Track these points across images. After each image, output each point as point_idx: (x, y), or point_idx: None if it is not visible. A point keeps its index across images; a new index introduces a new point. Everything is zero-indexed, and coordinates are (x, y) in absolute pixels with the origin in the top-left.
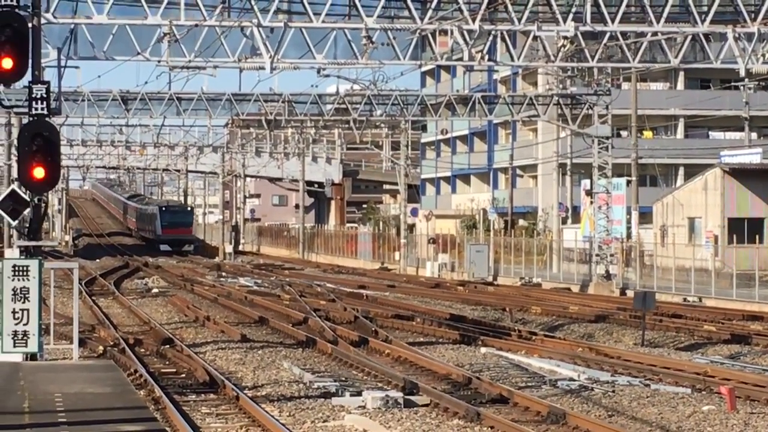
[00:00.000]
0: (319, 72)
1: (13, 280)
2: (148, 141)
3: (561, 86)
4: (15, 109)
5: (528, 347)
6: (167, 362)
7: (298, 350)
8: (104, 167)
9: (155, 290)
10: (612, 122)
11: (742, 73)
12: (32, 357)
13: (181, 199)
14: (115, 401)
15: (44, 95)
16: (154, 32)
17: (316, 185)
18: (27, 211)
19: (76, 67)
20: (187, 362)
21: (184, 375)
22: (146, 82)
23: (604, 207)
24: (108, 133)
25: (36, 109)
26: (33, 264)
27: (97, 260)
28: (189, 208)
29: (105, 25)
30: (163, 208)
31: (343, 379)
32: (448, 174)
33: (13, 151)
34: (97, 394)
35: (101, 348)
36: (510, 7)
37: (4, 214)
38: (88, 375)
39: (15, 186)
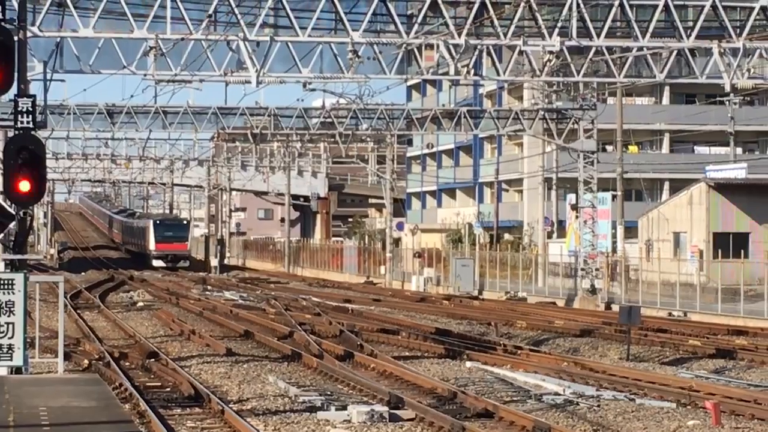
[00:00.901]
0: (305, 86)
1: None
2: (133, 154)
3: (547, 101)
4: (0, 123)
5: (513, 361)
6: (152, 376)
7: (283, 364)
8: (90, 180)
9: (140, 304)
10: (597, 137)
11: (728, 88)
12: (17, 371)
13: (167, 212)
14: (100, 415)
15: (30, 108)
16: (140, 46)
17: (301, 199)
18: (12, 225)
19: (62, 81)
20: (172, 376)
21: (169, 389)
22: (132, 96)
23: (589, 221)
24: (93, 147)
25: (22, 122)
26: (18, 277)
27: (83, 273)
28: (185, 222)
29: (91, 38)
30: (158, 222)
31: (329, 393)
32: (434, 188)
33: None
34: (82, 408)
35: (86, 361)
36: (496, 22)
37: None
38: (74, 389)
39: (0, 199)
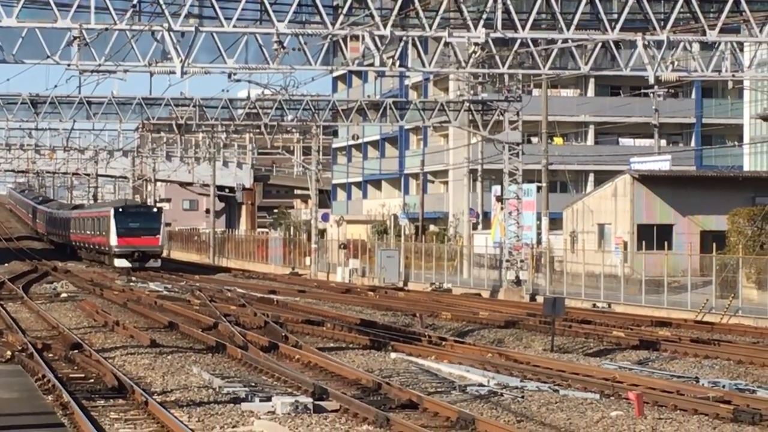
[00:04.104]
0: (230, 77)
1: None
2: (57, 145)
3: (472, 92)
4: None
5: (438, 353)
6: (76, 367)
7: (207, 355)
8: (13, 171)
9: (64, 295)
10: (522, 128)
11: (652, 81)
12: None
13: (128, 198)
14: (22, 406)
15: None
16: (64, 35)
17: (227, 190)
18: None
19: None
20: (95, 367)
21: (92, 380)
22: (56, 86)
23: (514, 213)
24: (17, 137)
25: None
26: None
27: (6, 264)
28: (154, 209)
29: (14, 28)
30: (120, 210)
31: (253, 384)
32: (360, 179)
33: None
34: (4, 400)
35: (9, 353)
36: (421, 13)
37: None
38: None
39: None
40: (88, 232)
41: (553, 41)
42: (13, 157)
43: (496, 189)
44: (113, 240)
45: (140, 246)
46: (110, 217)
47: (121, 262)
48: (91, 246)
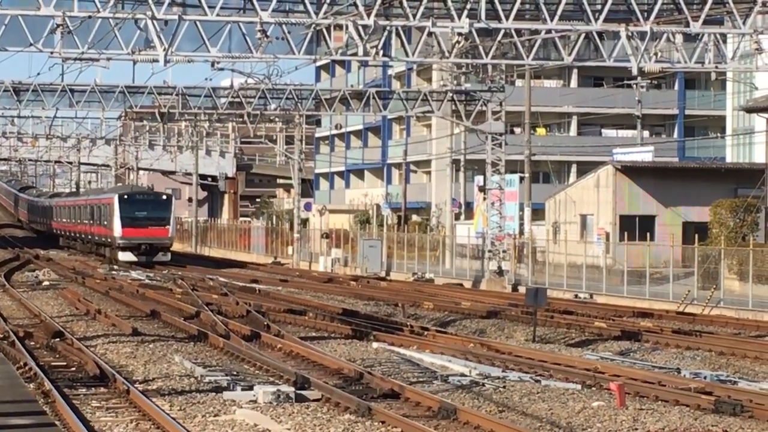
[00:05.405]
0: (213, 65)
1: None
2: (40, 132)
3: (455, 82)
4: None
5: (420, 342)
6: (58, 355)
7: (189, 344)
8: None
9: (46, 283)
10: (506, 119)
11: (635, 72)
12: None
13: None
14: (3, 395)
15: None
16: (47, 23)
17: (209, 179)
18: None
19: None
20: (77, 355)
21: (74, 368)
22: (39, 74)
23: (497, 203)
24: None
25: None
26: None
27: None
28: (164, 197)
29: None
30: (125, 197)
31: (235, 373)
32: (342, 169)
33: None
34: None
35: None
36: (405, 3)
37: None
38: None
39: None
40: (86, 222)
41: (536, 32)
42: None
43: (479, 179)
44: (117, 231)
45: (148, 238)
46: (114, 205)
47: (126, 256)
48: (89, 237)
